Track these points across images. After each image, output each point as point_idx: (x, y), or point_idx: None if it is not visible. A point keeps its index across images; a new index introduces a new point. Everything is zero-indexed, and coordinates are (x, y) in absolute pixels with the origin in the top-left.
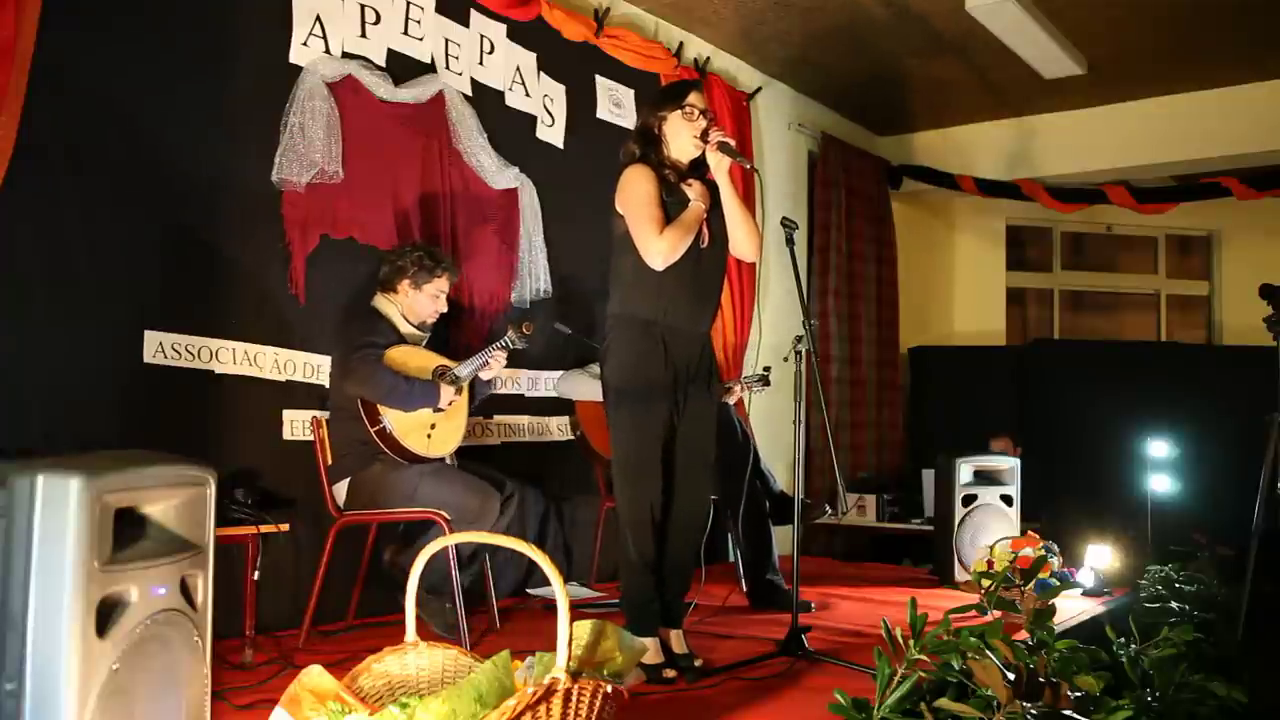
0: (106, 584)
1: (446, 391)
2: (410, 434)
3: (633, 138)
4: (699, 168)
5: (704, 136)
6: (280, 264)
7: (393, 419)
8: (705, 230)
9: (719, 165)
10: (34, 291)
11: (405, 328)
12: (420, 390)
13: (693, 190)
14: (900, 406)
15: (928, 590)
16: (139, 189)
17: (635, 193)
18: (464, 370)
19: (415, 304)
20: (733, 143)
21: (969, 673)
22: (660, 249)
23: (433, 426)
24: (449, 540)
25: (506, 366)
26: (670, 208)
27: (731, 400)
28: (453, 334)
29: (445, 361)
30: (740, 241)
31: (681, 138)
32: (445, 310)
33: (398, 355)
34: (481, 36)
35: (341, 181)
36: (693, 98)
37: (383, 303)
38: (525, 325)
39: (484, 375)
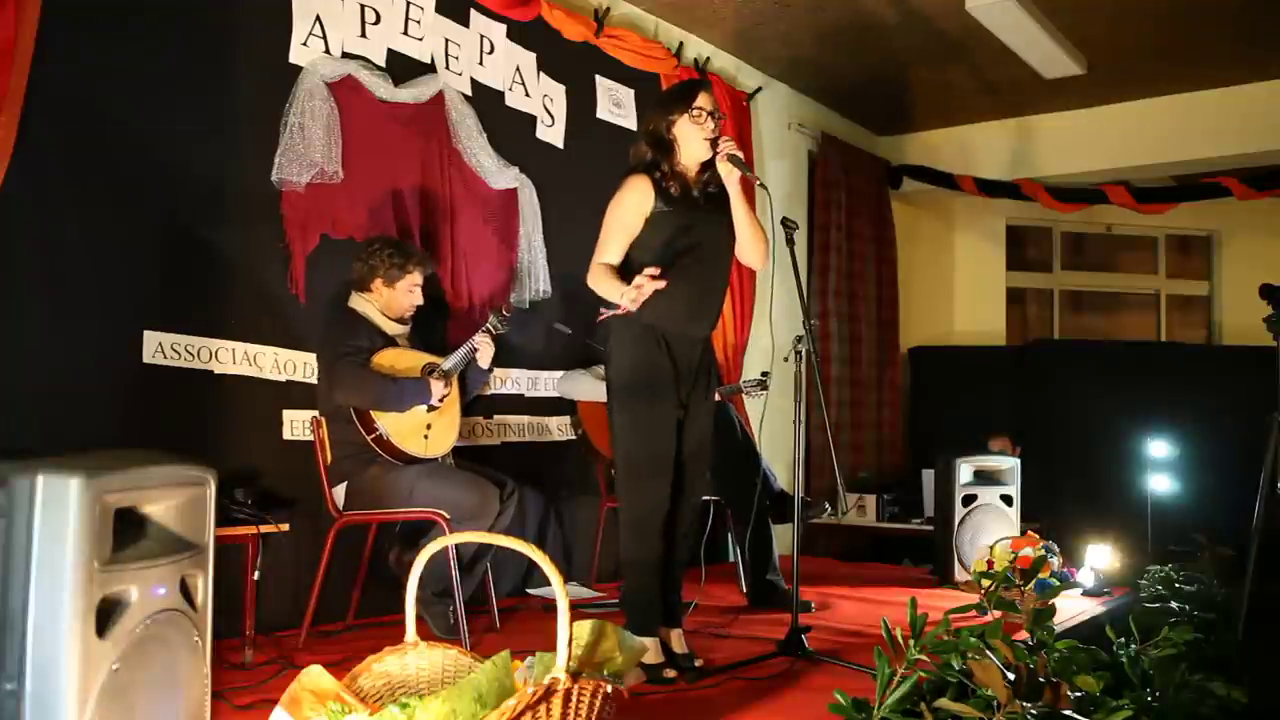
0: (106, 584)
1: (437, 386)
2: (407, 437)
3: (645, 140)
4: (709, 169)
5: (714, 145)
6: (280, 264)
7: (388, 424)
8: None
9: (729, 174)
10: (34, 291)
11: (386, 324)
12: (411, 389)
13: (641, 277)
14: (900, 406)
15: (928, 590)
16: (139, 189)
17: (615, 209)
18: (450, 363)
19: (392, 300)
20: (741, 155)
21: (969, 673)
22: (592, 275)
23: (428, 426)
24: (449, 540)
25: (505, 366)
26: (666, 219)
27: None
28: (452, 333)
29: (432, 358)
30: (747, 249)
31: (692, 142)
32: (421, 302)
33: (385, 359)
34: (481, 36)
35: (341, 181)
36: (700, 100)
37: (360, 302)
38: (505, 308)
39: (481, 362)
